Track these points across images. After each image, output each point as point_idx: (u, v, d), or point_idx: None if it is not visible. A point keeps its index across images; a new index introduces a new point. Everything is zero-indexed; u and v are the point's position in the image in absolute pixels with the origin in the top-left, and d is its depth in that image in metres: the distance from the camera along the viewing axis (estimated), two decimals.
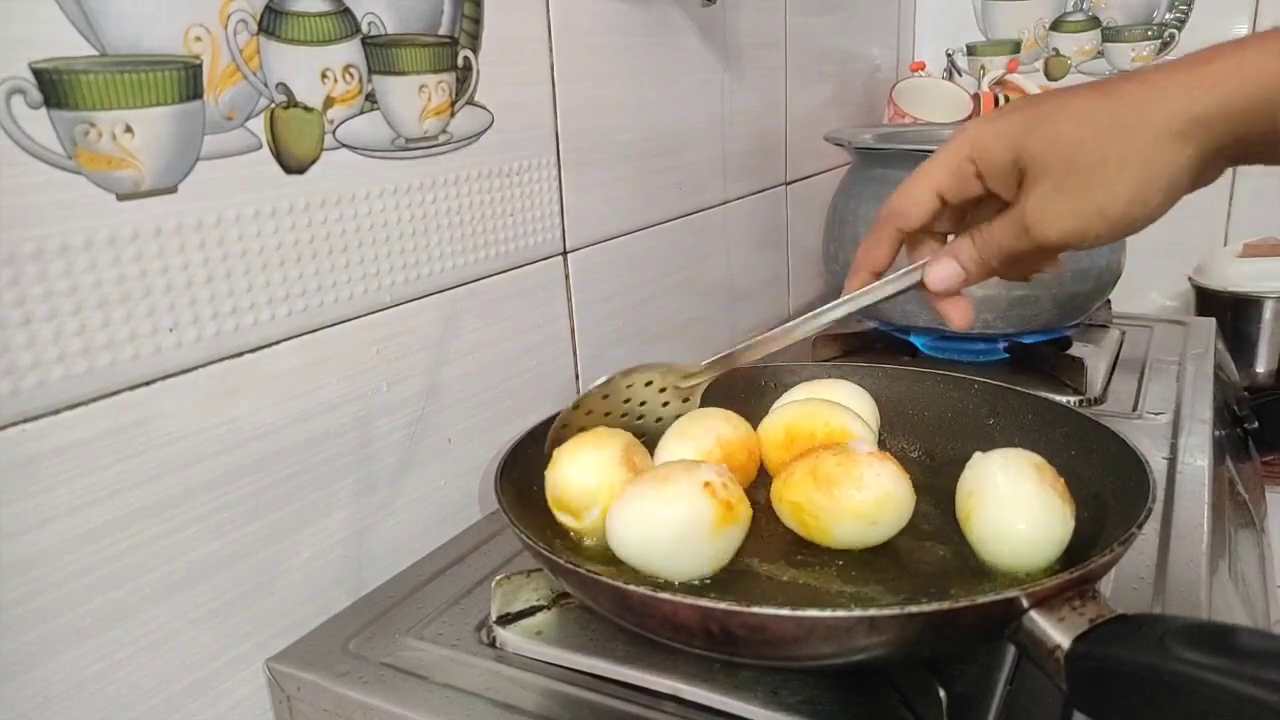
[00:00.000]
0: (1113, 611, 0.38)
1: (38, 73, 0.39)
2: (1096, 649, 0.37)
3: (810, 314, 0.55)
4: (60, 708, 0.43)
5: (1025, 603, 0.39)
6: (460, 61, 0.61)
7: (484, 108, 0.63)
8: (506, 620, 0.51)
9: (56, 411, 0.41)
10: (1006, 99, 1.32)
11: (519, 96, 0.66)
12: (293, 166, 0.51)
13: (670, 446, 0.57)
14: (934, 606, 0.38)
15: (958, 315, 0.50)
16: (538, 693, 0.47)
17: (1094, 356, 0.92)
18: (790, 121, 1.13)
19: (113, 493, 0.44)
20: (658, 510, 0.47)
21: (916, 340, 0.94)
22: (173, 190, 0.45)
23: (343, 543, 0.57)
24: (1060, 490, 0.49)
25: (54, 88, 0.39)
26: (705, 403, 0.61)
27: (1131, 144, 0.40)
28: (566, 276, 0.74)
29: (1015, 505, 0.49)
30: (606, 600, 0.44)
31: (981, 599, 0.38)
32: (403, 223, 0.58)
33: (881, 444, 0.57)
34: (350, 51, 0.53)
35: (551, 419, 0.59)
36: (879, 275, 0.52)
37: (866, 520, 0.50)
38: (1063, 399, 0.72)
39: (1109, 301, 1.01)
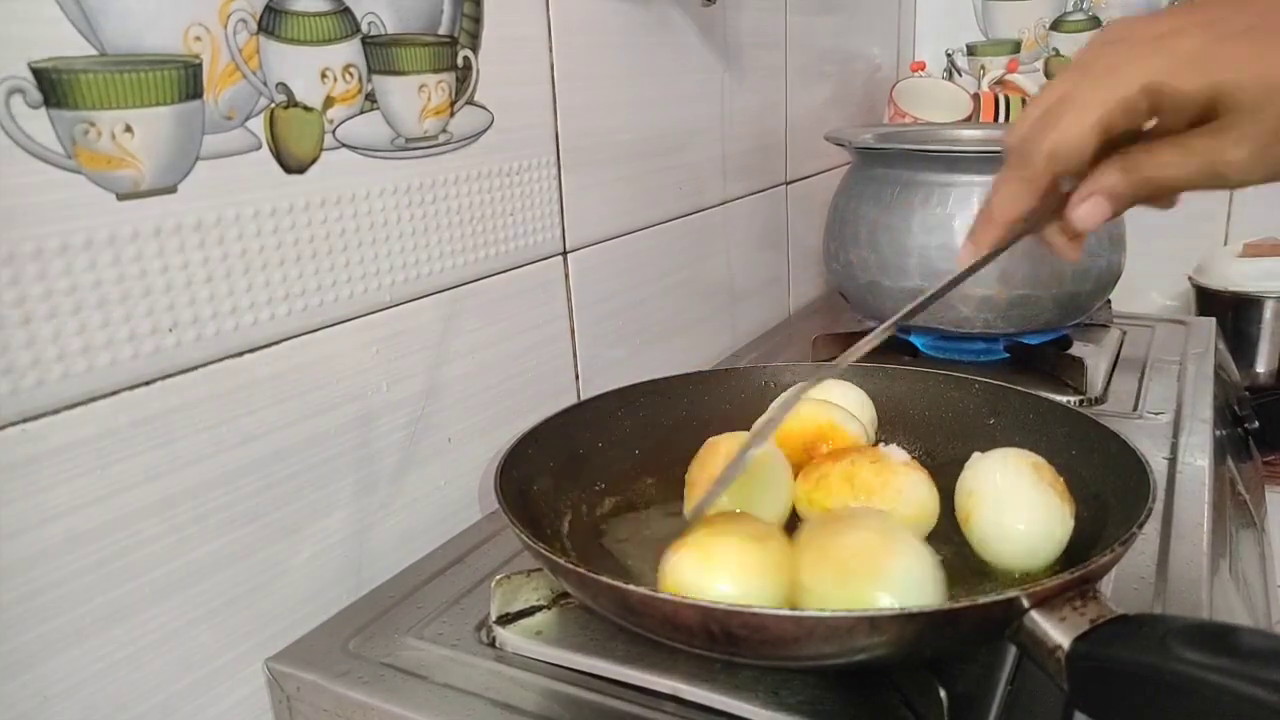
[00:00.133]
0: (1113, 611, 0.38)
1: (37, 72, 0.39)
2: (1097, 649, 0.37)
3: (950, 279, 0.49)
4: (60, 708, 0.43)
5: (1026, 603, 0.39)
6: (460, 61, 0.60)
7: (484, 107, 0.63)
8: (506, 620, 0.51)
9: (56, 411, 0.41)
10: (1006, 99, 1.32)
11: (519, 96, 0.66)
12: (292, 166, 0.51)
13: None
14: (934, 606, 0.38)
15: (1070, 252, 0.47)
16: (538, 693, 0.47)
17: (1094, 356, 0.92)
18: (790, 121, 1.13)
19: (113, 492, 0.43)
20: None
21: (916, 340, 0.94)
22: (172, 190, 0.45)
23: (343, 543, 0.57)
24: (1060, 490, 0.49)
25: (54, 87, 0.39)
26: (700, 407, 0.62)
27: None
28: (566, 276, 0.74)
29: (1014, 505, 0.49)
30: (606, 600, 0.44)
31: (982, 599, 0.38)
32: (403, 223, 0.58)
33: (881, 444, 0.57)
34: (350, 51, 0.53)
35: (552, 417, 0.59)
36: (1018, 224, 0.46)
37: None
38: (1063, 399, 0.71)
39: (1109, 301, 1.01)
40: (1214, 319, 1.08)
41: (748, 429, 0.61)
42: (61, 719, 0.43)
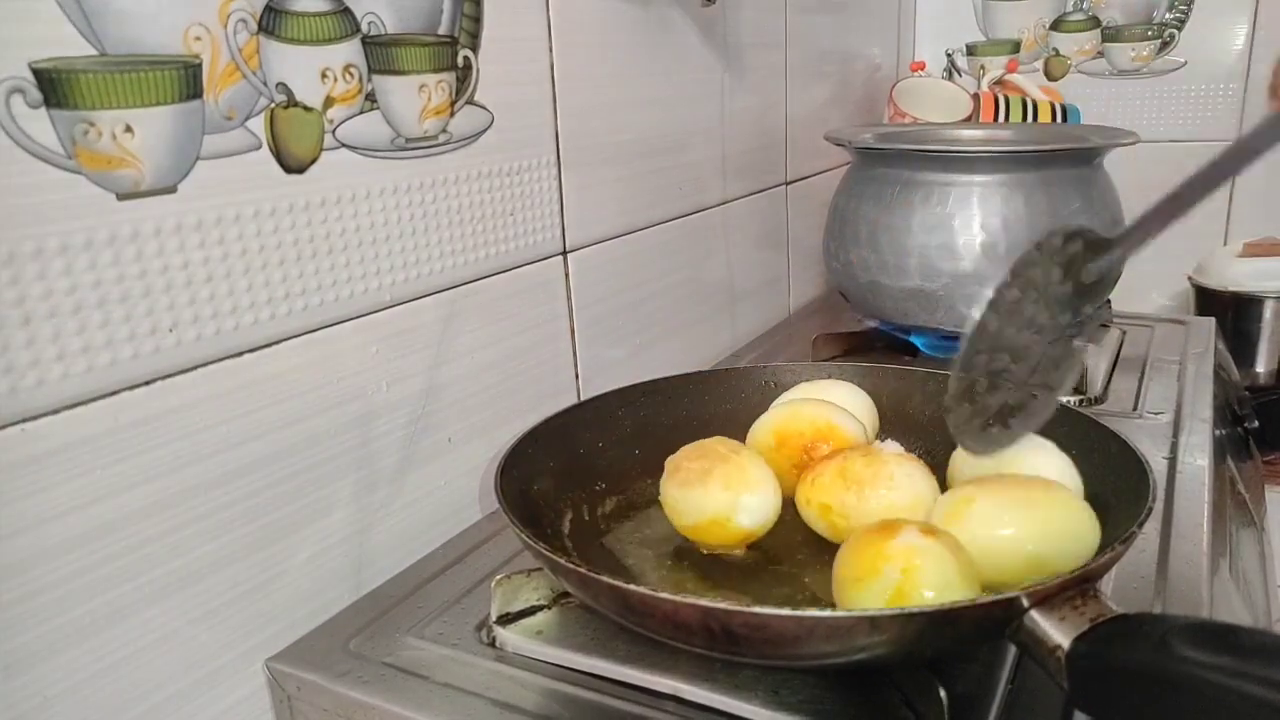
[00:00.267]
0: (1114, 611, 0.38)
1: (37, 72, 0.39)
2: (1097, 648, 0.37)
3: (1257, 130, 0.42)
4: (59, 708, 0.43)
5: (1026, 602, 0.39)
6: (460, 61, 0.61)
7: (484, 107, 0.63)
8: (506, 620, 0.51)
9: (56, 411, 0.41)
10: (1006, 99, 1.32)
11: (519, 96, 0.66)
12: (292, 166, 0.51)
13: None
14: (934, 606, 0.38)
15: None
16: (538, 692, 0.47)
17: (1094, 356, 0.92)
18: (790, 121, 1.13)
19: (112, 492, 0.43)
20: None
21: (916, 340, 0.94)
22: (172, 190, 0.45)
23: (343, 542, 0.57)
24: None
25: (54, 87, 0.39)
26: (700, 407, 0.62)
27: None
28: (566, 276, 0.74)
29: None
30: (606, 600, 0.44)
31: (982, 599, 0.38)
32: (403, 222, 0.58)
33: (878, 441, 0.57)
34: (350, 51, 0.53)
35: (552, 417, 0.59)
36: None
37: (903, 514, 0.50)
38: (1063, 399, 0.71)
39: (1109, 301, 1.01)
40: (1214, 319, 1.08)
41: (747, 429, 0.62)
42: (61, 719, 0.43)
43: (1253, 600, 0.73)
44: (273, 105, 0.49)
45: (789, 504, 0.55)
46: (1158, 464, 0.70)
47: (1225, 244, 1.39)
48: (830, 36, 1.24)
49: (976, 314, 0.44)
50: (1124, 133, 0.89)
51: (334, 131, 0.53)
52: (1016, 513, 0.46)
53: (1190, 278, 1.33)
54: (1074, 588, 0.39)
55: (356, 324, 0.56)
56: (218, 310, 0.48)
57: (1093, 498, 0.52)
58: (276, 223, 0.50)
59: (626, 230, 0.81)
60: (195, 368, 0.47)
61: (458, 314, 0.63)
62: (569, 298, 0.74)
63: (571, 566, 0.43)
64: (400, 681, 0.49)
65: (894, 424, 0.65)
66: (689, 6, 0.86)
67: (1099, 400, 0.83)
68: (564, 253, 0.73)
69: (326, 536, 0.55)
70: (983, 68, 1.51)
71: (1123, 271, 0.43)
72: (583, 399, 0.71)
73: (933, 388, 0.66)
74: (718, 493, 0.51)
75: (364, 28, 0.53)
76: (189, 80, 0.45)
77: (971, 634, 0.42)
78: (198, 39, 0.45)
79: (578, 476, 0.59)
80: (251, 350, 0.50)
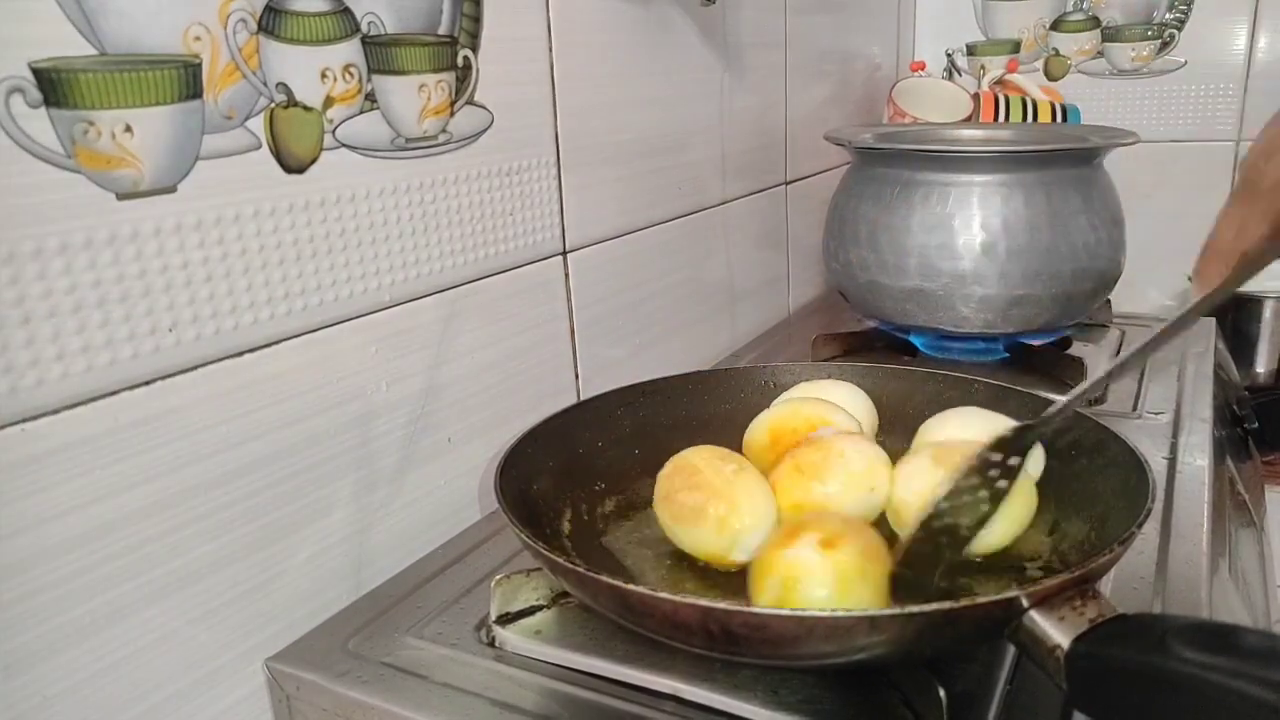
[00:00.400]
0: (1113, 611, 0.38)
1: (37, 72, 0.39)
2: (1097, 648, 0.37)
3: (1178, 317, 0.46)
4: (59, 707, 0.43)
5: (1025, 602, 0.39)
6: (460, 61, 0.61)
7: (484, 107, 0.63)
8: (506, 620, 0.51)
9: (56, 411, 0.41)
10: (1006, 99, 1.32)
11: (519, 96, 0.66)
12: (292, 166, 0.51)
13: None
14: (934, 606, 0.38)
15: None
16: (537, 692, 0.47)
17: (1094, 356, 0.92)
18: (790, 121, 1.13)
19: (112, 492, 0.43)
20: None
21: (916, 340, 0.94)
22: (172, 190, 0.45)
23: (342, 542, 0.57)
24: None
25: (53, 87, 0.39)
26: (700, 407, 0.62)
27: None
28: (566, 276, 0.74)
29: None
30: (606, 600, 0.44)
31: (981, 599, 0.38)
32: (403, 222, 0.58)
33: (880, 444, 0.57)
34: (350, 51, 0.53)
35: (552, 417, 0.59)
36: (1248, 257, 0.42)
37: (865, 487, 0.52)
38: (1063, 399, 0.71)
39: (1109, 301, 1.01)
40: (1214, 319, 1.08)
41: (746, 429, 0.62)
42: (61, 719, 0.43)
43: (1252, 601, 0.73)
44: (272, 105, 0.49)
45: None
46: (1157, 464, 0.70)
47: None
48: (830, 36, 1.24)
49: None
50: (1124, 133, 0.89)
51: (334, 131, 0.53)
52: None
53: (1190, 278, 1.33)
54: (1073, 588, 0.39)
55: (356, 324, 0.56)
56: (218, 310, 0.48)
57: (1093, 498, 0.52)
58: (276, 223, 0.50)
59: (626, 230, 0.81)
60: (195, 368, 0.47)
61: (458, 314, 0.63)
62: (569, 298, 0.74)
63: (571, 566, 0.43)
64: (399, 681, 0.49)
65: (894, 424, 0.65)
66: (689, 6, 0.86)
67: (1099, 400, 0.83)
68: (564, 253, 0.73)
69: (326, 536, 0.55)
70: (983, 68, 1.51)
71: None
72: (583, 399, 0.71)
73: (932, 388, 0.66)
74: (712, 536, 0.50)
75: (364, 28, 0.53)
76: (189, 80, 0.45)
77: (971, 634, 0.42)
78: (198, 39, 0.45)
79: (577, 476, 0.59)
80: (251, 350, 0.50)
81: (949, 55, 1.57)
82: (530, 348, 0.71)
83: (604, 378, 0.78)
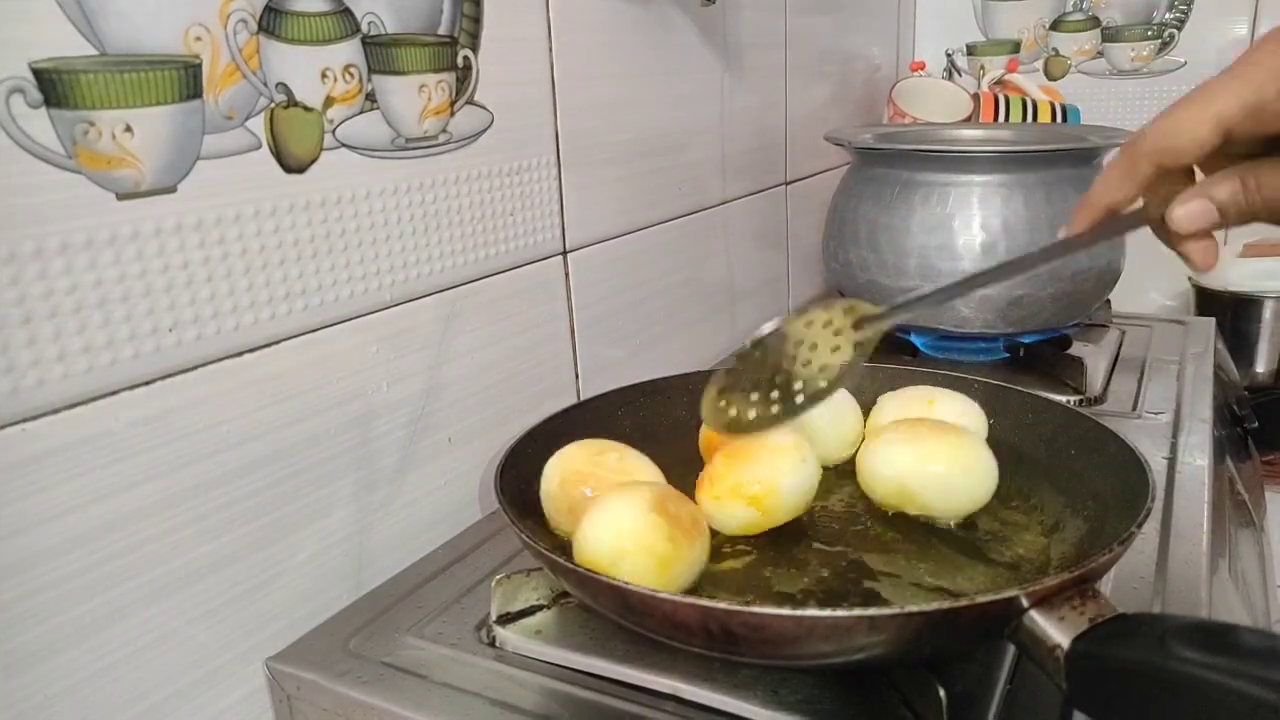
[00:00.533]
0: (1113, 610, 0.38)
1: (37, 72, 0.39)
2: (1096, 648, 0.37)
3: (1017, 259, 0.48)
4: (59, 707, 0.43)
5: (1025, 602, 0.39)
6: (460, 61, 0.61)
7: (484, 107, 0.63)
8: (506, 619, 0.51)
9: (56, 411, 0.41)
10: (1006, 99, 1.32)
11: (519, 96, 0.66)
12: (292, 166, 0.51)
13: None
14: (934, 606, 0.38)
15: (1201, 257, 0.43)
16: (537, 692, 0.47)
17: (1094, 356, 0.92)
18: (790, 121, 1.13)
19: (112, 492, 0.44)
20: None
21: (916, 340, 0.95)
22: (172, 190, 0.45)
23: (342, 542, 0.57)
24: None
25: (54, 87, 0.39)
26: (700, 407, 0.62)
27: None
28: (566, 276, 0.74)
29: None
30: (606, 600, 0.44)
31: (981, 598, 0.38)
32: (403, 222, 0.58)
33: None
34: (350, 51, 0.53)
35: (552, 417, 0.59)
36: (1114, 213, 0.44)
37: (797, 457, 0.53)
38: (1063, 399, 0.72)
39: (1109, 301, 1.01)
40: (1213, 319, 1.08)
41: None
42: (61, 719, 0.43)
43: (1251, 601, 0.74)
44: (273, 105, 0.49)
45: None
46: (1157, 464, 0.70)
47: (1225, 244, 1.39)
48: (830, 36, 1.24)
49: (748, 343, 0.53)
50: (1124, 133, 0.89)
51: (334, 131, 0.53)
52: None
53: (1190, 278, 1.33)
54: (1073, 587, 0.39)
55: (356, 324, 0.56)
56: (218, 310, 0.48)
57: (1093, 497, 0.52)
58: (276, 222, 0.50)
59: (626, 230, 0.81)
60: (195, 368, 0.47)
61: (458, 314, 0.63)
62: (569, 298, 0.74)
63: (571, 566, 0.44)
64: (399, 681, 0.49)
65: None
66: (689, 6, 0.86)
67: (1098, 400, 0.83)
68: (564, 253, 0.73)
69: (326, 536, 0.55)
70: (983, 68, 1.51)
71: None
72: (583, 399, 0.71)
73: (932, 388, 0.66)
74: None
75: (364, 28, 0.54)
76: (189, 80, 0.45)
77: (971, 634, 0.42)
78: (198, 39, 0.45)
79: None
80: (251, 350, 0.50)
81: (949, 55, 1.57)
82: (530, 348, 0.71)
83: (604, 378, 0.78)
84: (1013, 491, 0.58)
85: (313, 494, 0.54)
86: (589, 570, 0.43)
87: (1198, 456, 0.71)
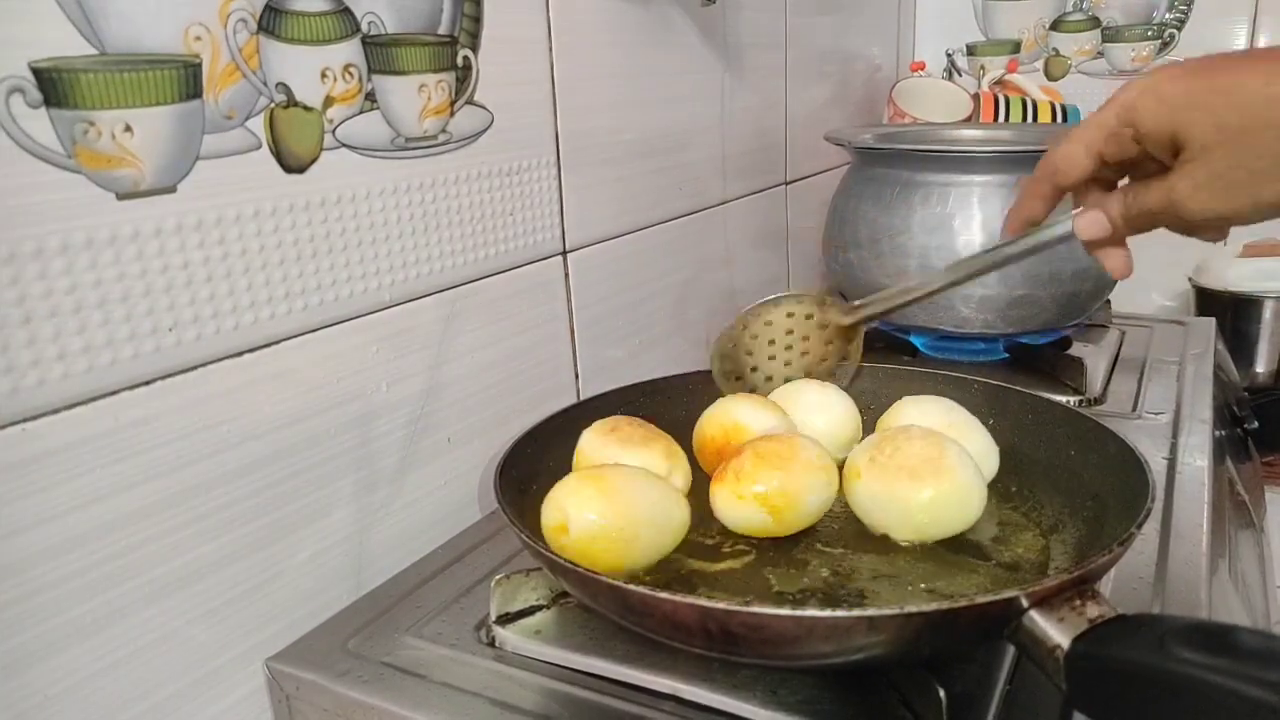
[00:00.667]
0: (1113, 611, 0.38)
1: (37, 72, 0.39)
2: (1096, 649, 0.37)
3: (962, 260, 0.58)
4: (59, 707, 0.43)
5: (1025, 602, 0.39)
6: (460, 61, 0.61)
7: (484, 107, 0.63)
8: (506, 619, 0.51)
9: (56, 411, 0.41)
10: (1006, 99, 1.32)
11: (519, 96, 0.66)
12: (292, 166, 0.51)
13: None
14: (933, 606, 0.38)
15: (1114, 265, 0.51)
16: (537, 692, 0.47)
17: (1094, 356, 0.92)
18: (790, 121, 1.13)
19: (112, 492, 0.44)
20: None
21: (916, 340, 0.94)
22: (172, 189, 0.45)
23: (342, 542, 0.57)
24: None
25: (53, 87, 0.39)
26: (700, 407, 0.62)
27: None
28: (566, 276, 0.74)
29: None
30: (606, 599, 0.44)
31: (981, 599, 0.38)
32: (403, 222, 0.58)
33: None
34: (350, 51, 0.53)
35: (552, 417, 0.59)
36: (1034, 226, 0.53)
37: (825, 479, 0.53)
38: (1062, 399, 0.72)
39: (1109, 301, 1.01)
40: (1213, 319, 1.08)
41: None
42: (61, 719, 0.43)
43: (1251, 601, 0.74)
44: (273, 105, 0.49)
45: None
46: (1157, 465, 0.70)
47: (1224, 244, 1.39)
48: (830, 36, 1.24)
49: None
50: None
51: (334, 131, 0.53)
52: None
53: (1190, 278, 1.33)
54: (1073, 588, 0.39)
55: (356, 324, 0.56)
56: (218, 310, 0.48)
57: (1093, 498, 0.52)
58: (276, 222, 0.50)
59: (626, 230, 0.81)
60: (195, 368, 0.47)
61: (458, 314, 0.63)
62: (569, 298, 0.74)
63: (570, 566, 0.43)
64: (399, 681, 0.49)
65: None
66: (689, 6, 0.86)
67: (1098, 400, 0.83)
68: (564, 253, 0.73)
69: (326, 536, 0.55)
70: (983, 68, 1.51)
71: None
72: (583, 399, 0.71)
73: (932, 388, 0.66)
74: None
75: (364, 28, 0.54)
76: (189, 80, 0.45)
77: (970, 634, 0.42)
78: (198, 39, 0.45)
79: None
80: (251, 350, 0.50)
81: (949, 55, 1.57)
82: (530, 348, 0.71)
83: (604, 378, 0.78)
84: (1012, 492, 0.58)
85: (313, 494, 0.54)
86: (589, 570, 0.43)
87: (1198, 457, 0.71)
